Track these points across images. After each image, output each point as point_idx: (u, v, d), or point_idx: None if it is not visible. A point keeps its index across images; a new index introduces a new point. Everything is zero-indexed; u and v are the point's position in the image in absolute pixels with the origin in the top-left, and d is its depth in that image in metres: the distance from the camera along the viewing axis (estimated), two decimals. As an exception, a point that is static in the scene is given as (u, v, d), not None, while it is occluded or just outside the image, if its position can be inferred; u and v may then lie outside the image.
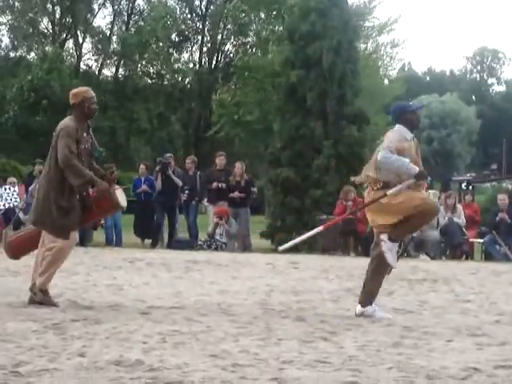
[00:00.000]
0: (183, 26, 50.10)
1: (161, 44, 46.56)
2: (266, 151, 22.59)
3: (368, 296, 7.85)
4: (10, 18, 48.34)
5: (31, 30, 48.09)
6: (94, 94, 8.30)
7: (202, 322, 7.27)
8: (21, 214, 17.87)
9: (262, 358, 5.66)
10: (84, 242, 16.79)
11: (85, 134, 8.22)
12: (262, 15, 36.90)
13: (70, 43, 49.89)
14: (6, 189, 18.50)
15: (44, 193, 8.08)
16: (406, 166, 7.51)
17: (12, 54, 49.81)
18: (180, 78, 49.08)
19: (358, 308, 7.87)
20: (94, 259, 13.91)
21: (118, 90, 45.51)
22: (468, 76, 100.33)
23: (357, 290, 10.07)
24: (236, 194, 17.86)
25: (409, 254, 16.26)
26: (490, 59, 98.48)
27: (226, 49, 49.05)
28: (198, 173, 18.85)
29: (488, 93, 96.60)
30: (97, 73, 49.90)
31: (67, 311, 7.73)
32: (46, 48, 45.98)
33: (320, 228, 8.45)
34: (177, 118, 48.49)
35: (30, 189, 17.94)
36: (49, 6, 48.21)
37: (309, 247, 18.04)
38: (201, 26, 50.25)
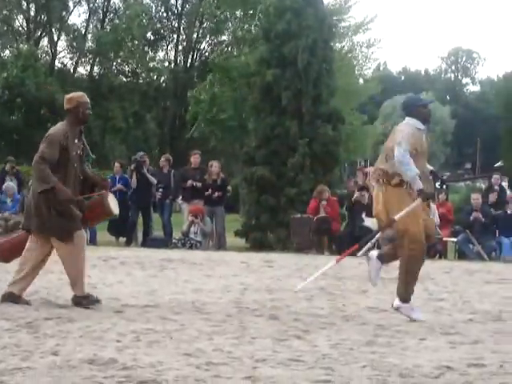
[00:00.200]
0: (159, 25, 49.89)
1: (136, 42, 46.31)
2: (242, 150, 22.55)
3: (406, 293, 7.74)
4: (-17, 15, 47.99)
5: (5, 28, 47.66)
6: (88, 100, 8.21)
7: (176, 320, 7.27)
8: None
9: (235, 357, 5.67)
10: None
11: (76, 141, 8.10)
12: (238, 14, 36.84)
13: (44, 41, 49.51)
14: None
15: (37, 199, 7.94)
16: (412, 179, 7.52)
17: (-14, 52, 49.43)
18: (155, 77, 48.83)
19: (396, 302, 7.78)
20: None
21: (93, 89, 45.08)
22: (443, 76, 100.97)
23: (330, 288, 10.15)
24: (216, 193, 17.83)
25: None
26: (464, 59, 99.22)
27: (201, 47, 48.96)
28: (172, 171, 18.86)
29: (462, 93, 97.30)
30: (72, 71, 49.52)
31: (40, 310, 7.70)
32: (21, 46, 45.67)
33: (333, 263, 8.26)
34: (152, 117, 48.30)
35: (3, 187, 18.14)
36: (23, 3, 47.76)
37: (283, 246, 18.10)
38: (176, 25, 50.08)
